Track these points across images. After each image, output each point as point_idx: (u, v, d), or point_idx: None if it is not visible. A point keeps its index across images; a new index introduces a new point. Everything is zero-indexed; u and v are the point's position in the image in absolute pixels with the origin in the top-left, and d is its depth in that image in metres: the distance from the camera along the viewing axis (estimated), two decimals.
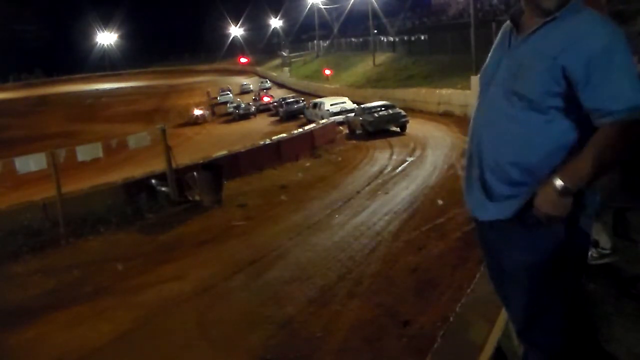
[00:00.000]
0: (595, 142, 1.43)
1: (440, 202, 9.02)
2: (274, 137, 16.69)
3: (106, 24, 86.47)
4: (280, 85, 51.23)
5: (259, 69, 68.00)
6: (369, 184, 11.48)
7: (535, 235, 1.53)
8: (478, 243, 1.84)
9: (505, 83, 1.57)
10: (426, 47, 33.06)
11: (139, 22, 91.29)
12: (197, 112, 36.57)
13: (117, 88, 66.63)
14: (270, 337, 5.06)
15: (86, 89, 68.14)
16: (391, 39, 40.26)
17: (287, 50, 59.79)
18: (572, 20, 1.46)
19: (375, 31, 41.57)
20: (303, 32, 69.09)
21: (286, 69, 55.42)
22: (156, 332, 5.56)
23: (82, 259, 8.48)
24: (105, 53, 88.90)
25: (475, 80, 18.63)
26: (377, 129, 18.57)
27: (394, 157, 14.41)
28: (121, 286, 7.02)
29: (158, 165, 12.43)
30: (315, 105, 25.35)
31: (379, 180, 11.67)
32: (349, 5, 49.60)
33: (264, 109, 36.55)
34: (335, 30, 55.04)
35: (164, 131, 11.43)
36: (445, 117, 20.86)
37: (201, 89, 54.73)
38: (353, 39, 48.98)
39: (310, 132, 17.35)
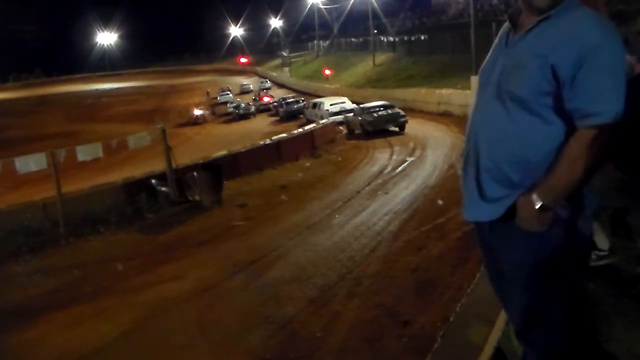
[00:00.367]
0: (569, 150, 1.43)
1: (440, 202, 9.02)
2: (274, 137, 16.69)
3: (106, 24, 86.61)
4: (280, 85, 51.23)
5: (259, 69, 68.01)
6: (369, 184, 11.47)
7: (533, 236, 1.53)
8: (477, 243, 1.84)
9: (500, 82, 1.57)
10: (426, 47, 33.07)
11: (139, 22, 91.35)
12: (197, 112, 36.59)
13: (117, 88, 66.64)
14: (270, 337, 5.06)
15: (86, 89, 68.16)
16: (391, 39, 40.26)
17: (287, 50, 59.81)
18: (567, 19, 1.46)
19: (375, 31, 41.58)
20: (303, 32, 69.17)
21: (286, 69, 55.43)
22: (156, 332, 5.56)
23: (82, 259, 8.48)
24: (105, 53, 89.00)
25: (475, 80, 18.62)
26: (377, 128, 18.63)
27: (394, 157, 14.41)
28: (121, 286, 7.02)
29: (158, 165, 12.43)
30: (314, 105, 25.37)
31: (379, 180, 11.67)
32: (349, 5, 49.65)
33: (264, 109, 36.56)
34: (335, 30, 55.07)
35: (164, 131, 11.43)
36: (445, 117, 20.86)
37: (201, 89, 54.77)
38: (353, 39, 48.99)
39: (310, 132, 17.35)
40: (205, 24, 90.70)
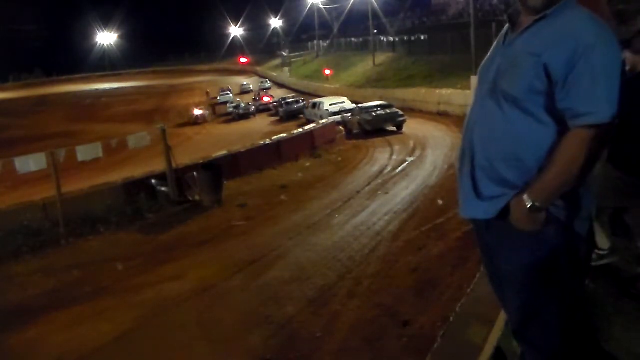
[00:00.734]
0: (561, 151, 1.43)
1: (440, 202, 9.02)
2: (274, 137, 16.69)
3: (106, 24, 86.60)
4: (280, 85, 51.24)
5: (259, 69, 68.01)
6: (369, 184, 11.47)
7: (529, 236, 1.53)
8: (476, 243, 1.85)
9: (495, 81, 1.58)
10: (426, 47, 33.08)
11: (139, 22, 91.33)
12: (197, 112, 36.59)
13: (117, 88, 66.64)
14: (270, 337, 5.06)
15: (86, 89, 68.16)
16: (391, 39, 40.27)
17: (287, 50, 59.83)
18: (562, 19, 1.46)
19: (375, 31, 41.57)
20: (303, 32, 69.14)
21: (286, 69, 55.43)
22: (156, 332, 5.56)
23: (82, 259, 8.48)
24: (105, 53, 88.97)
25: (475, 80, 18.60)
26: (376, 128, 18.75)
27: (394, 157, 14.41)
28: (121, 286, 7.02)
29: (158, 165, 12.43)
30: (314, 105, 25.39)
31: (379, 180, 11.67)
32: (349, 5, 49.63)
33: (264, 109, 36.57)
34: (335, 30, 55.08)
35: (164, 131, 11.43)
36: (445, 117, 20.87)
37: (201, 89, 54.76)
38: (353, 39, 49.00)
39: (310, 132, 17.35)
40: (205, 24, 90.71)
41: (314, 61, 53.82)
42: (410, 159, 13.69)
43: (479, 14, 27.43)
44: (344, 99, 25.09)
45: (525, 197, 1.48)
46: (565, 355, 1.66)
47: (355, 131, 19.84)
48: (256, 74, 66.13)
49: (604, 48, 1.40)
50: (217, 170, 11.20)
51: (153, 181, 11.21)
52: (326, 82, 40.34)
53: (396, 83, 29.92)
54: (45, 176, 11.61)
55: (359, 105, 21.08)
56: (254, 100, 39.53)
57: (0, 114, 47.69)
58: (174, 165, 11.23)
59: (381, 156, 14.79)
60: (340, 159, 15.40)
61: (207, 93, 48.91)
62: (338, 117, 21.61)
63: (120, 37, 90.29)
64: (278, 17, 71.88)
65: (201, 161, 12.79)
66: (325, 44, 55.87)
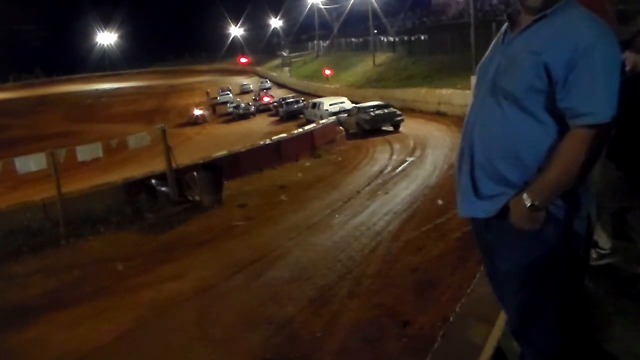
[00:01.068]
0: (561, 150, 1.44)
1: (440, 202, 9.02)
2: (274, 137, 16.68)
3: (106, 24, 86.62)
4: (280, 85, 51.22)
5: (259, 69, 68.00)
6: (369, 184, 11.48)
7: (527, 235, 1.53)
8: (475, 242, 1.85)
9: (494, 79, 1.58)
10: (426, 47, 33.09)
11: (139, 22, 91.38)
12: (197, 112, 36.57)
13: (117, 88, 66.64)
14: (270, 337, 5.06)
15: (86, 89, 68.16)
16: (391, 39, 40.28)
17: (287, 50, 59.85)
18: (562, 19, 1.47)
19: (375, 31, 41.57)
20: (303, 32, 69.15)
21: (286, 69, 55.43)
22: (156, 332, 5.56)
23: (82, 259, 8.49)
24: (105, 53, 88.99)
25: (474, 79, 18.62)
26: (374, 127, 18.93)
27: (394, 157, 14.41)
28: (121, 286, 7.02)
29: (158, 165, 12.43)
30: (314, 105, 25.40)
31: (379, 180, 11.67)
32: (349, 5, 49.62)
33: (264, 109, 36.55)
34: (335, 30, 55.08)
35: (164, 131, 11.43)
36: (445, 117, 20.87)
37: (201, 89, 54.75)
38: (353, 39, 49.00)
39: (310, 132, 17.35)
40: (205, 24, 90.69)
41: (314, 61, 53.82)
42: (410, 159, 13.69)
43: (479, 14, 27.43)
44: (344, 99, 25.10)
45: (524, 196, 1.48)
46: (565, 355, 1.65)
47: (352, 131, 19.91)
48: (256, 74, 66.12)
49: (604, 48, 1.40)
50: (217, 170, 11.20)
51: (153, 181, 11.21)
52: (326, 82, 40.34)
53: (396, 83, 29.91)
54: (45, 176, 11.61)
55: (356, 105, 21.25)
56: (254, 100, 39.51)
57: (0, 114, 47.70)
58: (174, 165, 11.23)
59: (381, 156, 14.79)
60: (340, 159, 15.40)
61: (207, 93, 48.89)
62: (333, 118, 21.64)
63: (120, 37, 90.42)
64: (278, 17, 71.93)
65: (201, 161, 12.79)
66: (325, 44, 55.86)
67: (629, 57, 2.47)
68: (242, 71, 71.66)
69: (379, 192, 10.51)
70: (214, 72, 74.53)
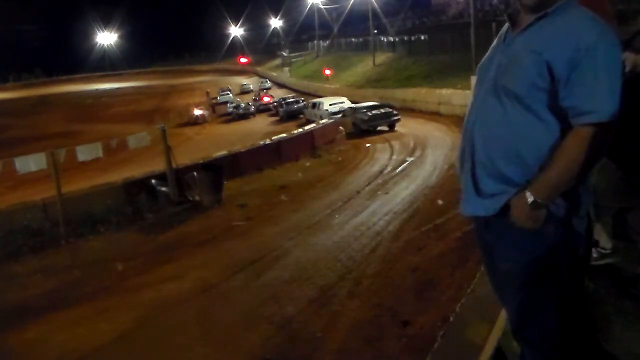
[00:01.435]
0: (564, 148, 1.44)
1: (440, 202, 9.02)
2: (274, 137, 16.69)
3: (106, 24, 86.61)
4: (280, 85, 51.23)
5: (259, 69, 68.00)
6: (369, 184, 11.48)
7: (527, 234, 1.53)
8: (476, 241, 1.85)
9: (496, 78, 1.59)
10: (426, 47, 33.10)
11: (139, 22, 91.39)
12: (197, 112, 36.60)
13: (117, 88, 66.65)
14: (270, 337, 5.06)
15: (86, 89, 68.17)
16: (391, 39, 40.29)
17: (287, 50, 59.83)
18: (563, 18, 1.47)
19: (375, 31, 41.57)
20: (303, 32, 69.15)
21: (286, 69, 55.43)
22: (156, 332, 5.56)
23: (82, 259, 8.49)
24: (105, 53, 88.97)
25: (475, 80, 18.64)
26: (373, 127, 19.15)
27: (394, 157, 14.41)
28: (121, 286, 7.02)
29: (158, 165, 12.42)
30: (314, 105, 25.42)
31: (379, 180, 11.67)
32: (349, 5, 49.62)
33: (264, 109, 36.57)
34: (335, 30, 55.05)
35: (164, 131, 11.43)
36: (446, 117, 20.87)
37: (201, 89, 54.77)
38: (353, 39, 49.00)
39: (310, 132, 17.35)
40: (205, 24, 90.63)
41: (314, 61, 53.81)
42: (410, 159, 13.69)
43: (479, 14, 27.44)
44: (344, 99, 25.12)
45: (527, 193, 1.49)
46: (565, 355, 1.66)
47: (347, 131, 20.03)
48: (256, 74, 66.11)
49: (607, 47, 1.41)
50: (217, 170, 11.20)
51: (153, 181, 11.20)
52: (326, 82, 40.34)
53: (396, 83, 29.92)
54: (45, 176, 11.61)
55: (351, 106, 21.58)
56: (254, 100, 39.51)
57: (0, 114, 47.69)
58: (174, 165, 11.23)
59: (381, 156, 14.79)
60: (340, 159, 15.40)
61: (207, 93, 48.92)
62: (328, 120, 21.68)
63: (120, 37, 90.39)
64: (278, 17, 71.91)
65: (201, 161, 12.79)
66: (325, 44, 55.85)
67: (629, 57, 2.47)
68: (242, 71, 71.66)
69: (379, 192, 10.51)
70: (214, 72, 74.53)
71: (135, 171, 14.15)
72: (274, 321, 5.34)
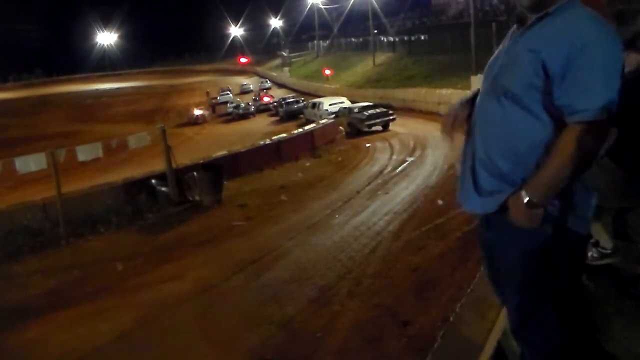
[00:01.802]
0: (558, 147, 1.43)
1: (440, 202, 9.02)
2: (274, 137, 16.70)
3: (106, 24, 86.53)
4: (280, 85, 51.21)
5: (259, 69, 67.97)
6: (369, 184, 11.48)
7: (523, 233, 1.54)
8: (477, 243, 1.85)
9: (496, 77, 1.60)
10: (426, 47, 33.10)
11: (139, 22, 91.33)
12: (197, 112, 36.57)
13: (117, 88, 66.63)
14: (270, 337, 5.06)
15: (86, 89, 68.14)
16: (391, 39, 40.28)
17: (287, 50, 59.80)
18: (563, 17, 1.47)
19: (375, 31, 41.56)
20: (303, 32, 69.12)
21: (286, 69, 55.40)
22: (156, 332, 5.56)
23: (82, 259, 8.48)
24: (105, 53, 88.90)
25: (475, 80, 18.65)
26: (370, 127, 19.43)
27: (394, 157, 14.41)
28: (121, 286, 7.02)
29: (158, 165, 12.43)
30: (314, 105, 25.44)
31: (379, 180, 11.67)
32: (349, 5, 49.60)
33: (264, 109, 36.55)
34: (335, 30, 55.04)
35: (164, 131, 11.43)
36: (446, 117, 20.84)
37: (201, 89, 54.75)
38: (353, 39, 48.99)
39: (310, 132, 17.36)
40: (205, 24, 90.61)
41: (314, 61, 53.79)
42: (410, 159, 13.69)
43: (479, 14, 27.46)
44: (344, 99, 25.14)
45: (522, 193, 1.49)
46: (564, 355, 1.65)
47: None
48: (256, 74, 66.08)
49: (604, 46, 1.40)
50: (217, 170, 11.21)
51: (153, 181, 11.21)
52: (326, 82, 40.33)
53: (396, 83, 29.91)
54: (45, 176, 11.61)
55: (345, 107, 21.92)
56: (254, 100, 39.48)
57: (0, 114, 47.67)
58: (174, 165, 11.23)
59: (381, 156, 14.79)
60: (340, 159, 15.40)
61: (207, 93, 48.88)
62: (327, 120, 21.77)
63: (120, 37, 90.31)
64: (278, 17, 71.87)
65: (201, 161, 12.80)
66: (325, 44, 55.83)
67: (632, 57, 2.45)
68: (242, 71, 71.62)
69: (379, 192, 10.51)
70: (214, 72, 74.48)
71: (135, 171, 14.16)
72: (274, 321, 5.34)
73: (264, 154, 14.66)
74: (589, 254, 2.77)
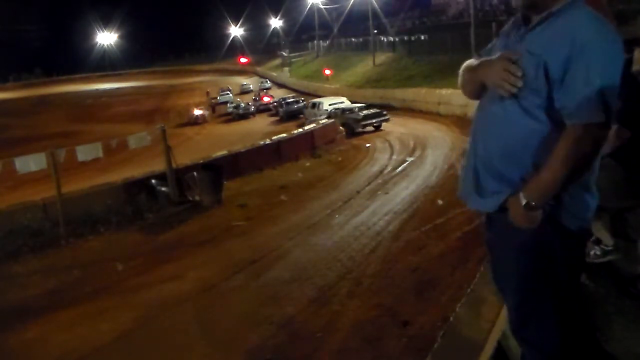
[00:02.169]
0: (556, 149, 1.43)
1: (440, 202, 9.02)
2: (274, 137, 16.69)
3: (106, 24, 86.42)
4: (280, 85, 51.19)
5: (259, 69, 67.93)
6: (369, 184, 11.48)
7: (522, 234, 1.54)
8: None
9: None
10: (426, 47, 33.06)
11: (139, 22, 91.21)
12: (197, 112, 36.52)
13: (117, 88, 66.60)
14: (270, 337, 5.06)
15: (86, 89, 68.12)
16: (391, 39, 40.25)
17: (287, 50, 59.76)
18: (564, 18, 1.46)
19: (375, 31, 41.53)
20: (303, 32, 69.01)
21: (286, 69, 55.38)
22: (156, 332, 5.56)
23: (82, 259, 8.49)
24: (105, 53, 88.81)
25: None
26: (365, 127, 19.68)
27: (394, 157, 14.41)
28: (121, 286, 7.02)
29: (158, 165, 12.43)
30: (314, 105, 25.44)
31: (379, 180, 11.67)
32: (349, 5, 49.55)
33: (264, 109, 36.52)
34: (335, 30, 54.99)
35: (164, 131, 11.44)
36: (445, 117, 20.87)
37: (201, 89, 54.73)
38: (353, 39, 48.95)
39: (311, 132, 17.36)
40: (205, 24, 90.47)
41: (314, 61, 53.77)
42: (410, 159, 13.69)
43: (479, 14, 27.46)
44: (343, 99, 25.15)
45: (520, 194, 1.49)
46: (564, 355, 1.65)
47: None
48: (256, 74, 66.05)
49: (602, 46, 1.39)
50: (217, 170, 11.21)
51: (153, 181, 11.21)
52: (326, 82, 40.31)
53: (396, 83, 29.91)
54: (45, 176, 11.60)
55: (339, 107, 22.19)
56: (254, 100, 39.44)
57: (0, 114, 47.66)
58: (174, 165, 11.23)
59: (381, 156, 14.79)
60: (340, 159, 15.40)
61: (207, 93, 48.84)
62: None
63: (120, 37, 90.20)
64: (278, 17, 71.79)
65: (201, 161, 12.79)
66: (325, 44, 55.78)
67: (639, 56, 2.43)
68: (242, 71, 71.58)
69: (379, 192, 10.51)
70: (214, 72, 74.43)
71: (135, 171, 14.15)
72: (274, 321, 5.35)
73: (264, 154, 14.66)
74: (592, 252, 2.78)
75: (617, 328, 2.30)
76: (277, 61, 62.99)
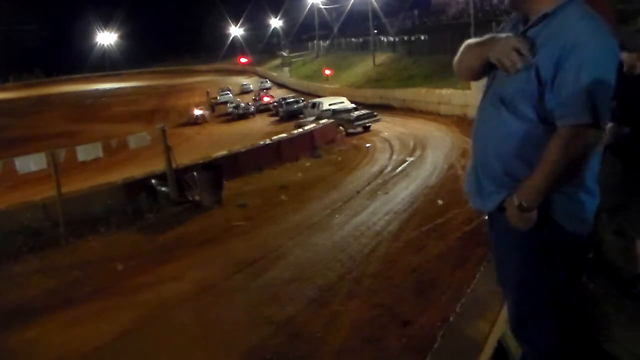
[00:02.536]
0: (547, 151, 1.43)
1: (440, 202, 9.02)
2: (274, 137, 16.69)
3: (106, 24, 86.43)
4: (280, 85, 51.18)
5: (259, 69, 67.91)
6: (369, 184, 11.48)
7: (521, 234, 1.55)
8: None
9: (492, 82, 1.61)
10: (426, 47, 33.05)
11: (139, 22, 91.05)
12: (197, 112, 36.50)
13: (117, 88, 66.59)
14: (270, 337, 5.06)
15: (86, 89, 68.11)
16: (391, 39, 40.26)
17: (287, 50, 59.81)
18: (559, 18, 1.44)
19: (375, 31, 41.52)
20: (303, 32, 68.97)
21: (286, 69, 55.36)
22: (156, 332, 5.56)
23: (82, 259, 8.48)
24: (105, 53, 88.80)
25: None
26: (357, 127, 19.98)
27: (394, 157, 14.41)
28: (121, 286, 7.02)
29: (158, 165, 12.43)
30: (313, 105, 25.45)
31: (379, 180, 11.67)
32: (349, 5, 49.58)
33: (264, 109, 36.51)
34: (335, 30, 54.98)
35: (164, 131, 11.44)
36: (445, 117, 20.87)
37: (201, 89, 54.70)
38: (353, 39, 48.94)
39: (310, 132, 17.36)
40: (205, 24, 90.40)
41: (313, 61, 53.76)
42: (410, 159, 13.69)
43: (479, 14, 27.46)
44: (343, 99, 25.15)
45: (515, 196, 1.50)
46: (564, 355, 1.66)
47: None
48: (256, 74, 66.03)
49: (595, 47, 1.37)
50: (217, 170, 11.21)
51: (153, 181, 11.21)
52: (326, 82, 40.30)
53: (396, 83, 29.90)
54: (45, 176, 11.61)
55: (331, 109, 22.45)
56: (254, 100, 39.43)
57: (0, 114, 47.65)
58: (174, 165, 11.23)
59: (381, 156, 14.79)
60: (340, 159, 15.39)
61: (207, 93, 48.80)
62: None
63: (120, 37, 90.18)
64: (278, 17, 71.80)
65: (201, 161, 12.79)
66: (325, 44, 55.78)
67: (625, 57, 2.44)
68: (242, 71, 71.57)
69: (379, 192, 10.51)
70: (214, 72, 74.43)
71: (135, 171, 14.15)
72: (274, 321, 5.35)
73: (264, 154, 14.66)
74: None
75: (616, 328, 2.30)
76: (277, 61, 62.96)
